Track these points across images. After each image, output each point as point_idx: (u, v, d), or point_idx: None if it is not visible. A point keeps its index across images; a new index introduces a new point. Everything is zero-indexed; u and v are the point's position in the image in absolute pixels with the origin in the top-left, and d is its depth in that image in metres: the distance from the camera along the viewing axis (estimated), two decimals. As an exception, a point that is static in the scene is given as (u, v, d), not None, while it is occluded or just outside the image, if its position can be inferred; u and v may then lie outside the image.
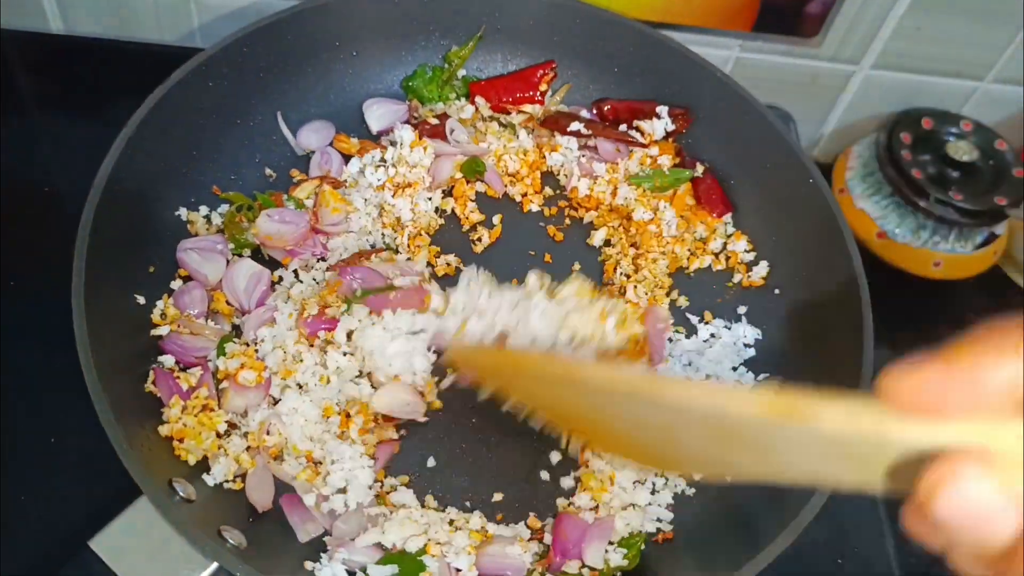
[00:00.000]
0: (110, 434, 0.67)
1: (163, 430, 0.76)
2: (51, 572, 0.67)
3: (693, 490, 0.84)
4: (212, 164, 0.93)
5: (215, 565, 0.67)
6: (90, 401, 0.68)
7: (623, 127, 1.04)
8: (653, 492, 0.83)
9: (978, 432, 0.33)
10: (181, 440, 0.76)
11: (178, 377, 0.80)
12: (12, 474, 0.80)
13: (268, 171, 0.98)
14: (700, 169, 1.01)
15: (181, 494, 0.70)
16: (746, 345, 0.94)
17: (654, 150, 1.01)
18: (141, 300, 0.83)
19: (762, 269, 0.97)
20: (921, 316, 1.13)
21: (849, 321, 0.84)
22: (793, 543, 0.70)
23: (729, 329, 0.94)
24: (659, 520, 0.82)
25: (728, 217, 1.00)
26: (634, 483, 0.82)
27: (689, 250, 0.98)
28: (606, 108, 1.04)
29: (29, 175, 1.02)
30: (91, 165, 0.80)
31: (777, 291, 0.96)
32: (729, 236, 1.00)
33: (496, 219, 0.98)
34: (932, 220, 1.09)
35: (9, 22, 1.12)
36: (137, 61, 1.12)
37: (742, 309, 0.96)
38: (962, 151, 1.10)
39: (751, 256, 0.99)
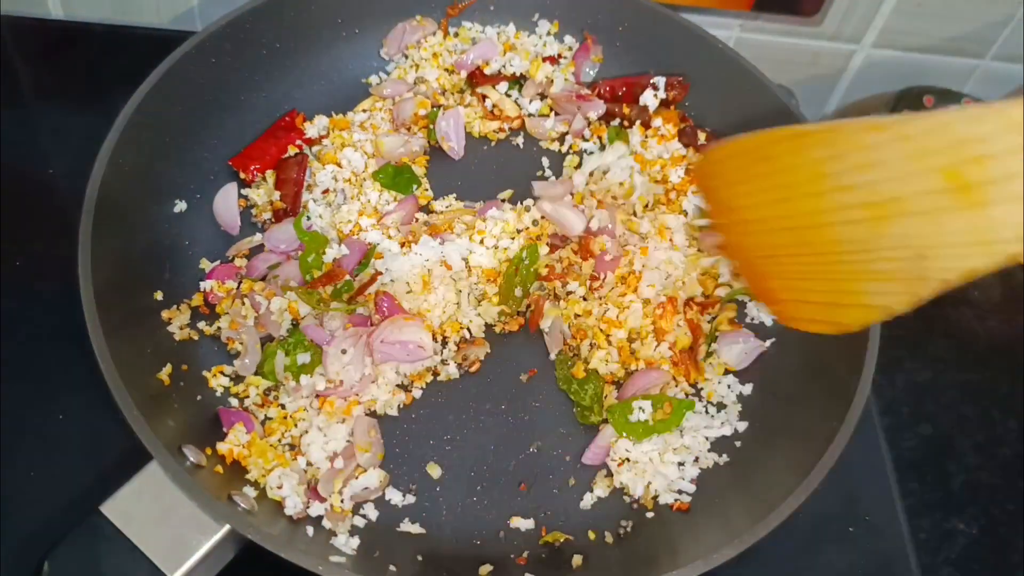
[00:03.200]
0: (119, 399, 0.67)
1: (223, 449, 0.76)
2: (63, 536, 0.66)
3: (722, 459, 0.84)
4: (216, 142, 0.93)
5: (227, 528, 0.66)
6: (96, 378, 0.68)
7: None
8: (681, 465, 0.83)
9: None
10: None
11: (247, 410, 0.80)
12: (23, 449, 0.80)
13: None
14: (703, 137, 1.00)
15: (191, 459, 0.70)
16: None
17: (657, 121, 1.00)
18: (145, 270, 0.84)
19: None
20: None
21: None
22: (805, 513, 0.70)
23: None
24: (680, 492, 0.81)
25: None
26: (660, 453, 0.83)
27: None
28: (605, 89, 1.04)
29: (29, 160, 1.01)
30: (91, 148, 0.80)
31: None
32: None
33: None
34: (935, 197, 1.09)
35: (9, 8, 1.12)
36: (137, 46, 1.12)
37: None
38: (964, 128, 1.11)
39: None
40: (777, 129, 0.61)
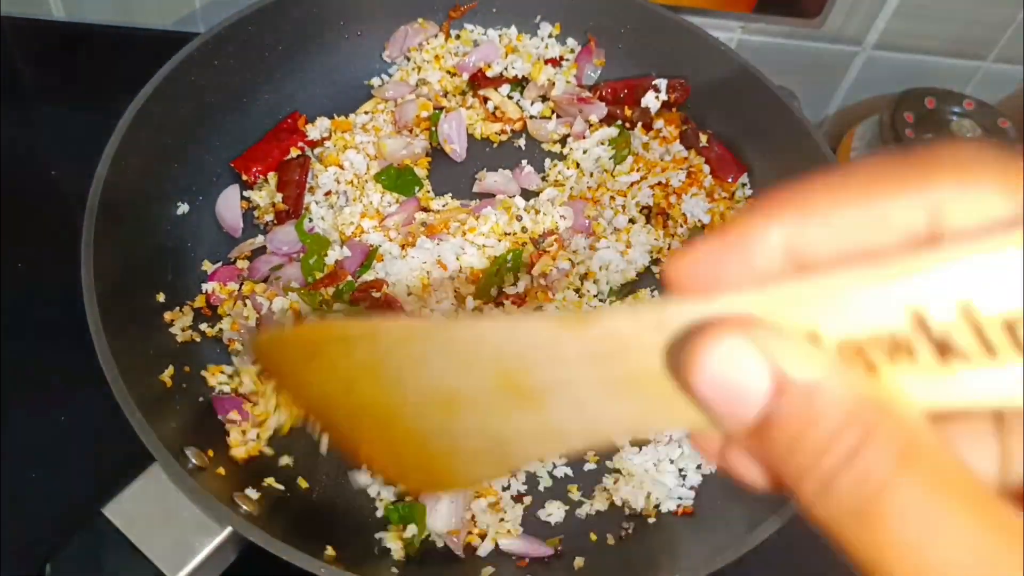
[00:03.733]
0: (121, 401, 0.67)
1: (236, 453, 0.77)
2: (66, 538, 0.66)
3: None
4: (218, 144, 0.93)
5: (228, 530, 0.66)
6: (98, 380, 0.68)
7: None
8: (682, 473, 0.83)
9: (745, 301, 0.31)
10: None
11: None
12: (25, 452, 0.80)
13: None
14: (703, 139, 1.00)
15: (194, 461, 0.70)
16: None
17: (659, 123, 1.00)
18: (148, 270, 0.84)
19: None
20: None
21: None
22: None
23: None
24: (680, 499, 0.81)
25: (745, 178, 1.00)
26: (655, 463, 0.82)
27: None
28: (607, 91, 1.03)
29: (30, 161, 1.02)
30: (93, 150, 0.80)
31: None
32: (748, 198, 0.99)
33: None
34: (937, 198, 1.09)
35: (10, 9, 1.12)
36: (139, 47, 1.12)
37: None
38: (966, 129, 1.11)
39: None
40: (321, 327, 0.61)
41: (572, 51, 1.06)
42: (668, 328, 0.33)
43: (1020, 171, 0.28)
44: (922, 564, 0.27)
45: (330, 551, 0.70)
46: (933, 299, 0.28)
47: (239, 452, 0.76)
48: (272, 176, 0.94)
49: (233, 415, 0.78)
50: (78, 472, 0.80)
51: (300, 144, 0.96)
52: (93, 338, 0.69)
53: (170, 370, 0.78)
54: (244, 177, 0.93)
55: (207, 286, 0.86)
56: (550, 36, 1.05)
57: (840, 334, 0.30)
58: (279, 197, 0.92)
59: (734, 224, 0.32)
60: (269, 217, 0.92)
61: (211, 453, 0.73)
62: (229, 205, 0.92)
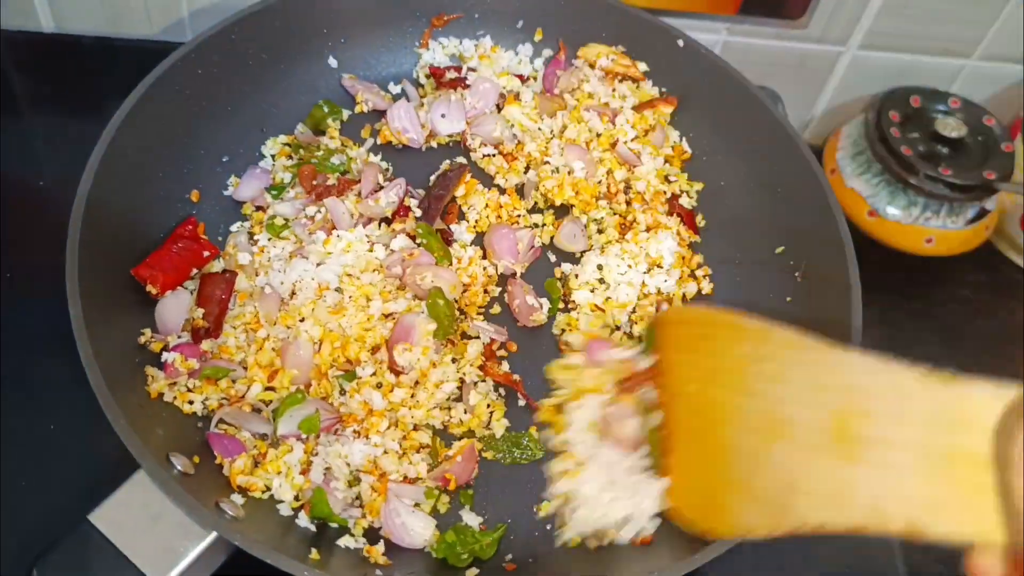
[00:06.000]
0: (107, 410, 0.67)
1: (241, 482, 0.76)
2: (52, 545, 0.67)
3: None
4: (204, 152, 0.94)
5: (214, 535, 0.67)
6: (86, 390, 0.68)
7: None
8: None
9: None
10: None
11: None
12: (13, 459, 0.81)
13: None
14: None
15: (178, 468, 0.70)
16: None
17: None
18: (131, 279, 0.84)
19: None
20: (914, 293, 1.14)
21: (839, 295, 0.84)
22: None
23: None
24: (643, 529, 0.78)
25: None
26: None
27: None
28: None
29: (22, 171, 1.02)
30: (84, 158, 0.81)
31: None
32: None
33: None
34: (923, 196, 1.09)
35: (0, 22, 1.12)
36: (128, 57, 1.13)
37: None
38: (951, 128, 1.11)
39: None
40: (722, 313, 0.61)
41: (546, 63, 1.08)
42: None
43: None
44: None
45: (315, 554, 0.71)
46: None
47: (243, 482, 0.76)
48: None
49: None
50: (64, 479, 0.80)
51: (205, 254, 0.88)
52: (79, 348, 0.70)
53: (155, 378, 0.79)
54: (149, 288, 0.84)
55: (168, 355, 0.81)
56: (533, 42, 1.07)
57: None
58: (199, 312, 0.84)
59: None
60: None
61: (196, 459, 0.74)
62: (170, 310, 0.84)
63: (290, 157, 0.97)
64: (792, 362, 0.45)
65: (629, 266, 0.92)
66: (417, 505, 0.78)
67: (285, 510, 0.75)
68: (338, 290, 0.86)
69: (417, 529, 0.76)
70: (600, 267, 0.93)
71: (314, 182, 0.93)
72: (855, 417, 0.39)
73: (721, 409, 0.53)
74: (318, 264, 0.87)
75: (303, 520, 0.75)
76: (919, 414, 0.36)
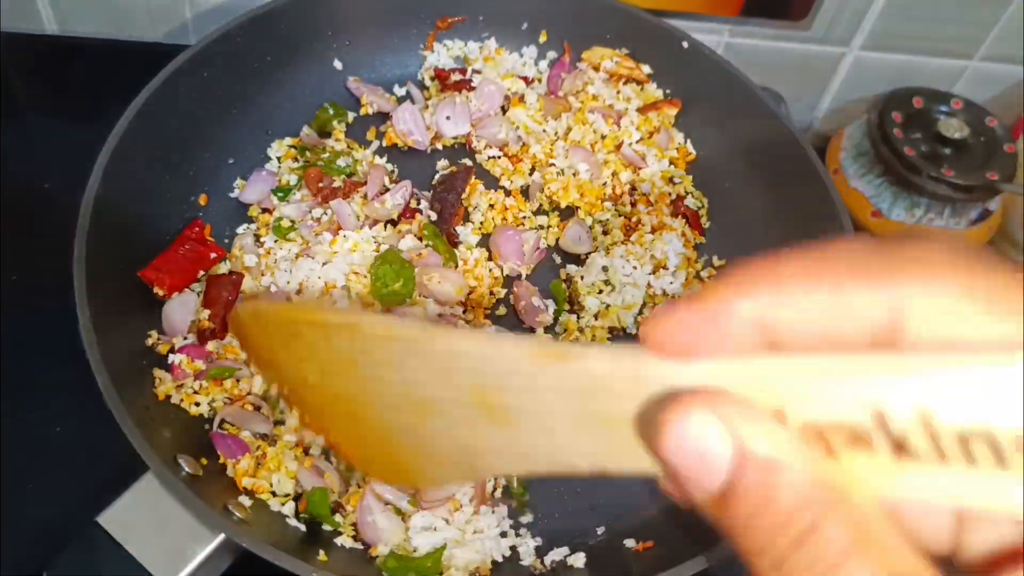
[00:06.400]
0: (115, 412, 0.67)
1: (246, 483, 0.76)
2: (61, 547, 0.67)
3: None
4: (209, 155, 0.94)
5: (222, 537, 0.67)
6: (92, 392, 0.68)
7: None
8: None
9: (718, 371, 0.32)
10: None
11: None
12: (21, 462, 0.81)
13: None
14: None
15: (187, 469, 0.70)
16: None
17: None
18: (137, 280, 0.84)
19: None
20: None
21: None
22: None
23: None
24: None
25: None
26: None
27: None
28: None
29: (25, 174, 1.02)
30: (88, 162, 0.81)
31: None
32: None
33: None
34: (925, 197, 1.09)
35: (4, 24, 1.12)
36: (132, 60, 1.12)
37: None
38: (953, 128, 1.11)
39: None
40: (302, 309, 0.60)
41: (551, 65, 1.08)
42: (643, 384, 0.34)
43: (986, 276, 0.29)
44: None
45: (323, 556, 0.71)
46: (895, 401, 0.29)
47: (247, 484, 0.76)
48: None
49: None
50: (73, 481, 0.80)
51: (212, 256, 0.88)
52: (87, 351, 0.70)
53: (163, 380, 0.79)
54: (156, 290, 0.85)
55: (174, 357, 0.81)
56: (538, 44, 1.07)
57: (804, 417, 0.31)
58: (205, 313, 0.85)
59: (708, 292, 0.33)
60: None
61: (204, 461, 0.74)
62: (177, 311, 0.85)
63: (296, 159, 0.97)
64: (400, 350, 0.45)
65: (634, 267, 0.92)
66: (390, 505, 0.77)
67: (289, 510, 0.75)
68: (345, 288, 0.86)
69: (386, 530, 0.76)
70: (605, 268, 0.93)
71: (320, 184, 0.93)
72: (491, 392, 0.40)
73: (356, 394, 0.52)
74: (324, 263, 0.87)
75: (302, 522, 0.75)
76: (546, 387, 0.37)
